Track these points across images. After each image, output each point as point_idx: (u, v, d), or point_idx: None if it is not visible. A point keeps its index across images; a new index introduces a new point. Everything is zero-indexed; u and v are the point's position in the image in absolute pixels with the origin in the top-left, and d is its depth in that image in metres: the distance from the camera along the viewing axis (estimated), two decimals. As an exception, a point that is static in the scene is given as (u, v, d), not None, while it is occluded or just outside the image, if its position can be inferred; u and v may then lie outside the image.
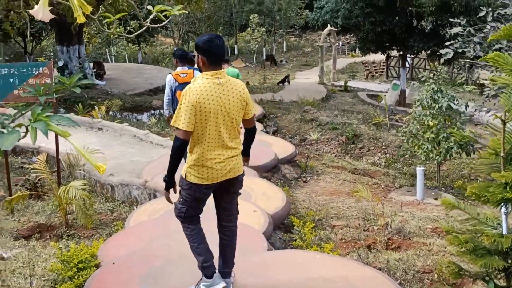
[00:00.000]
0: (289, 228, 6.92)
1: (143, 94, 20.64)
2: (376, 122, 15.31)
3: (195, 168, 3.85)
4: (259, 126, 13.18)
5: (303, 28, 48.52)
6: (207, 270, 4.07)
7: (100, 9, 3.23)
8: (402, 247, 6.46)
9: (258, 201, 6.78)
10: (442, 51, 8.34)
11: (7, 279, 5.08)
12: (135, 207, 7.43)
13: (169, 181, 3.92)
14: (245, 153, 4.27)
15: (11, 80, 7.37)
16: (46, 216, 7.30)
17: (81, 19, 2.56)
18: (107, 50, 36.44)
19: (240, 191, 4.19)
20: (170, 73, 7.74)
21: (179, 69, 7.53)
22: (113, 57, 36.77)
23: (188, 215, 4.01)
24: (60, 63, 20.19)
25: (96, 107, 14.97)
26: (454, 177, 11.37)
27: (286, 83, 25.12)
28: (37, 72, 7.45)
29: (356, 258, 5.94)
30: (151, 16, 3.27)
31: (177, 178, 3.97)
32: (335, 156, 12.93)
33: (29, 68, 7.51)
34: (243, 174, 4.08)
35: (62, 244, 6.01)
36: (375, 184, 10.35)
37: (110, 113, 15.83)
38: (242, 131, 4.15)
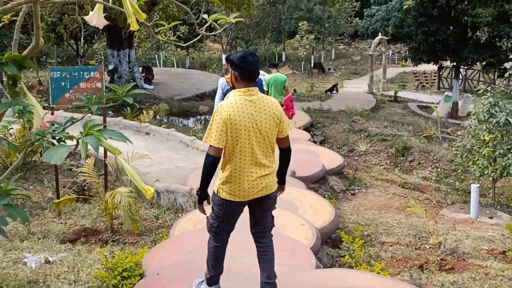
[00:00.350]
0: (337, 243, 6.71)
1: (190, 99, 20.76)
2: (427, 134, 14.86)
3: (227, 184, 3.86)
4: (306, 135, 13.00)
5: (353, 36, 48.14)
6: (210, 281, 4.18)
7: (155, 16, 3.14)
8: (456, 269, 6.15)
9: (306, 214, 6.60)
10: (507, 65, 7.95)
11: (52, 284, 5.05)
12: (180, 215, 7.37)
13: (201, 195, 3.95)
14: (280, 181, 4.16)
15: (63, 83, 7.42)
16: (92, 220, 7.30)
17: (134, 27, 2.46)
18: (156, 55, 36.94)
19: (275, 205, 4.16)
20: (224, 76, 7.81)
21: None
22: (161, 61, 37.24)
23: (219, 231, 4.03)
24: (110, 67, 20.50)
25: (144, 111, 15.08)
26: (510, 194, 10.89)
27: (334, 91, 24.81)
28: (88, 76, 7.49)
29: (408, 278, 5.67)
30: (206, 25, 3.15)
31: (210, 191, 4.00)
32: (384, 168, 12.59)
33: (81, 72, 7.55)
34: (275, 192, 4.03)
35: (107, 250, 5.97)
36: (426, 200, 9.99)
37: (157, 117, 15.93)
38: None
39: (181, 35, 31.60)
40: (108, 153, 8.18)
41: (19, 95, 2.24)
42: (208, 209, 4.08)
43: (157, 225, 7.25)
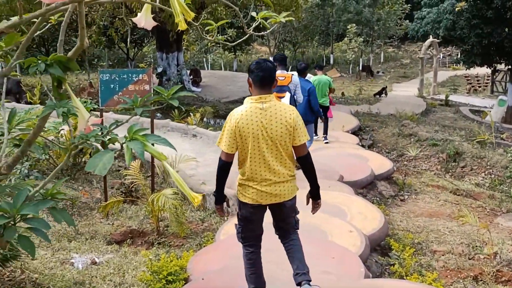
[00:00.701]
0: (386, 250, 6.50)
1: (237, 101, 20.78)
2: (480, 139, 14.34)
3: (242, 186, 3.99)
4: (354, 139, 12.77)
5: (402, 38, 47.34)
6: None
7: (203, 15, 3.07)
8: (513, 282, 5.85)
9: (354, 221, 6.42)
10: None
11: (98, 286, 5.06)
12: (226, 218, 7.30)
13: (217, 196, 4.14)
14: (313, 194, 4.10)
15: (112, 85, 7.48)
16: (138, 222, 7.33)
17: (182, 26, 2.40)
18: (204, 57, 37.25)
19: (292, 212, 4.13)
20: None
21: (278, 72, 7.44)
22: (209, 64, 37.53)
23: (245, 236, 4.10)
24: (159, 70, 20.74)
25: (191, 114, 15.16)
26: None
27: (383, 95, 24.41)
28: (137, 78, 7.52)
29: (461, 291, 5.43)
30: (254, 24, 3.06)
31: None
32: (435, 174, 12.22)
33: (130, 75, 7.59)
34: (291, 200, 3.99)
35: (153, 252, 5.96)
36: (479, 207, 9.61)
37: (204, 119, 16.00)
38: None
39: (229, 37, 31.80)
40: (155, 155, 8.20)
41: (64, 97, 2.19)
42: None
43: (202, 228, 7.21)
